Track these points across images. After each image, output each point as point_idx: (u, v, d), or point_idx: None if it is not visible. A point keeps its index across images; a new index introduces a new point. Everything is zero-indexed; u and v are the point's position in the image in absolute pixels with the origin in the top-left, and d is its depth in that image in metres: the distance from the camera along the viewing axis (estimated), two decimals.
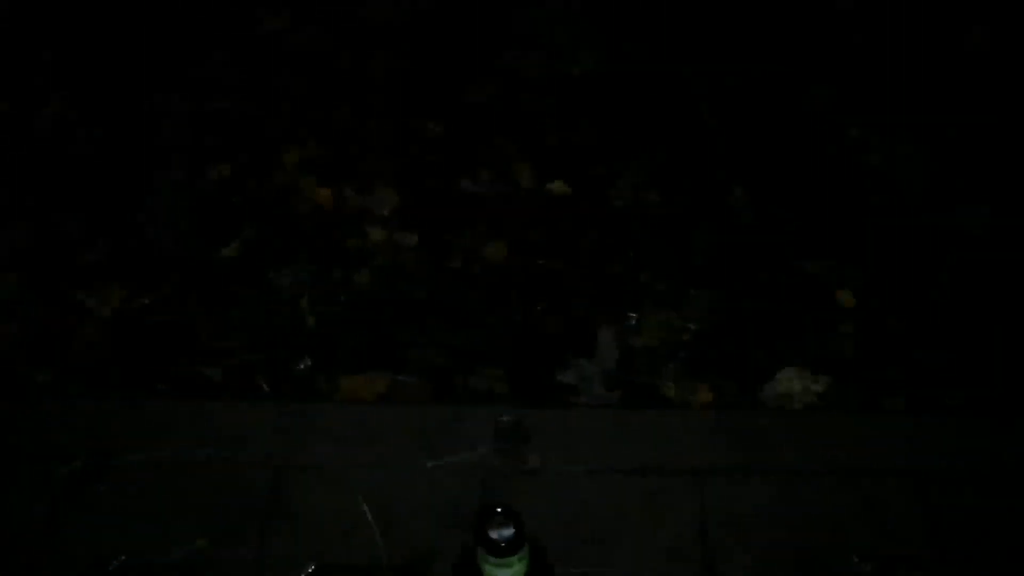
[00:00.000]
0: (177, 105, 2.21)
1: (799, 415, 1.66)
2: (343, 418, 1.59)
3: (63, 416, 1.59)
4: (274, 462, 1.52)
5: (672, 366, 1.73)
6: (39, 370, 1.69)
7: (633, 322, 1.77)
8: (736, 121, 2.18)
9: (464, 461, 1.51)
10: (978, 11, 2.35)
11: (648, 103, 2.22)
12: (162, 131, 2.16)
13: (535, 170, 2.07)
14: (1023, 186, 2.00)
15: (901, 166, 2.06)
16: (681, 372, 1.72)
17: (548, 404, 1.65)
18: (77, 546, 1.43)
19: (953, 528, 1.45)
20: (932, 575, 1.40)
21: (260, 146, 2.13)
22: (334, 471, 1.51)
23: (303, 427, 1.57)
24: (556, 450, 1.54)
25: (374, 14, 2.44)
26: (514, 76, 2.28)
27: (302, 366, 1.72)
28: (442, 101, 2.23)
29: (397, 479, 1.50)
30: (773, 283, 1.86)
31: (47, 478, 1.49)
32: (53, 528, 1.44)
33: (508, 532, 0.99)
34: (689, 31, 2.38)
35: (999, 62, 2.26)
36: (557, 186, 2.05)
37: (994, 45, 2.29)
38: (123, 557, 1.40)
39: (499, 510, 0.99)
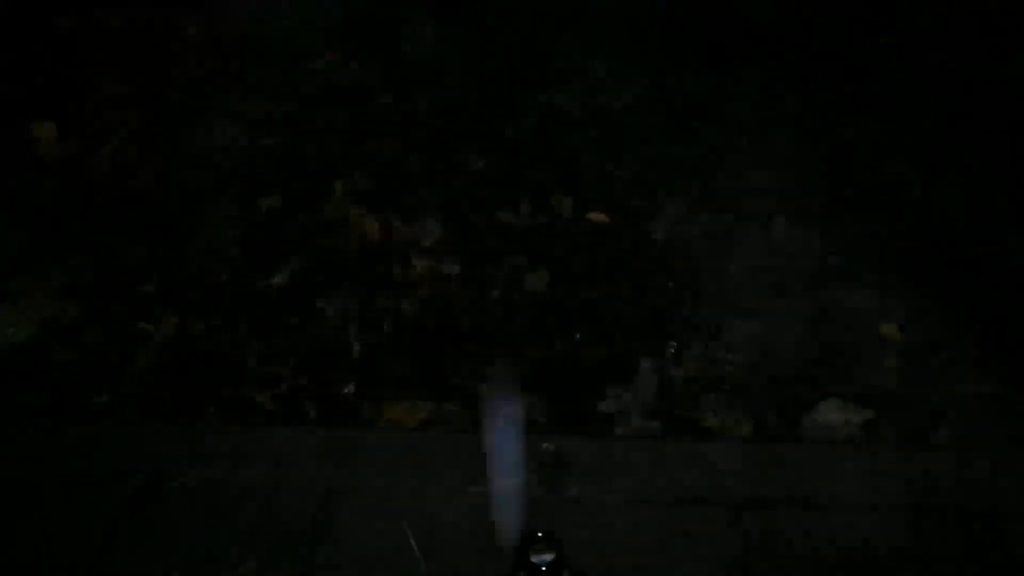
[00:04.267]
0: (230, 139, 2.30)
1: (840, 448, 1.65)
2: (388, 444, 1.63)
3: (119, 439, 1.65)
4: (321, 487, 1.56)
5: (713, 397, 1.73)
6: (97, 394, 1.76)
7: (673, 351, 1.79)
8: (775, 152, 2.20)
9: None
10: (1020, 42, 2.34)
11: (686, 135, 2.25)
12: (216, 164, 2.25)
13: (575, 201, 2.11)
14: None
15: (943, 198, 2.06)
16: (722, 403, 1.72)
17: (588, 433, 1.66)
18: (131, 566, 1.48)
19: (1000, 566, 1.43)
20: None
21: (309, 178, 2.20)
22: (379, 496, 1.54)
23: (349, 453, 1.61)
24: (596, 479, 1.55)
25: (416, 51, 2.51)
26: (554, 110, 2.33)
27: (346, 392, 1.76)
28: (484, 135, 2.28)
29: (440, 505, 1.53)
30: (815, 314, 1.86)
31: (103, 499, 1.55)
32: (109, 548, 1.49)
33: (549, 557, 1.01)
34: (727, 65, 2.41)
35: None
36: (597, 216, 2.08)
37: None
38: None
39: (540, 535, 1.01)
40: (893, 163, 2.14)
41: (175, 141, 2.29)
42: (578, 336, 1.85)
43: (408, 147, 2.27)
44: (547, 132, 2.28)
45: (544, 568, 1.01)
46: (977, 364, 1.75)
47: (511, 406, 1.16)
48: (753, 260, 1.97)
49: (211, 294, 1.95)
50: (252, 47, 2.53)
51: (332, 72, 2.46)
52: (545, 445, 1.57)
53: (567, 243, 2.03)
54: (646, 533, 1.49)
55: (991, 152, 2.14)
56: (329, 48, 2.51)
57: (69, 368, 1.80)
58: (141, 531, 1.51)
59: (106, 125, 2.31)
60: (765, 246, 2.00)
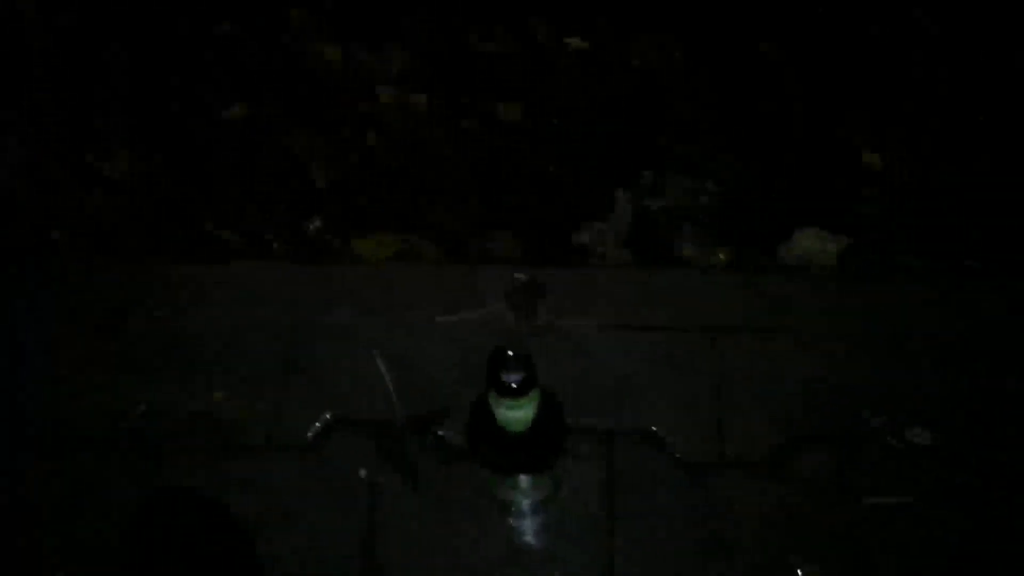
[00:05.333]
0: None
1: (819, 277, 1.63)
2: (358, 277, 1.59)
3: (78, 276, 1.60)
4: (290, 320, 1.53)
5: (690, 227, 1.69)
6: (53, 229, 1.69)
7: (649, 181, 1.73)
8: None
9: (478, 318, 1.51)
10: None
11: None
12: None
13: (551, 26, 1.98)
14: None
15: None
16: (699, 233, 1.69)
17: (562, 264, 1.63)
18: (98, 399, 1.46)
19: (974, 397, 1.45)
20: (941, 431, 1.41)
21: (264, 4, 2.04)
22: (349, 328, 1.52)
23: (318, 286, 1.58)
24: (570, 307, 1.53)
25: None
26: None
27: (312, 227, 1.70)
28: None
29: (412, 336, 1.51)
30: (799, 145, 1.80)
31: (67, 336, 1.51)
32: (76, 380, 1.47)
33: (518, 374, 0.99)
34: None
35: None
36: (574, 42, 1.96)
37: None
38: (143, 406, 1.43)
39: (509, 353, 0.99)
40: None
41: None
42: (552, 168, 1.78)
43: None
44: None
45: (514, 385, 0.99)
46: (961, 194, 1.71)
47: None
48: (738, 88, 1.88)
49: (164, 127, 1.84)
50: None
51: None
52: (517, 275, 1.54)
53: (543, 71, 1.93)
54: (622, 357, 1.49)
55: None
56: None
57: (23, 203, 1.72)
58: (106, 366, 1.49)
59: None
60: (751, 73, 1.90)
